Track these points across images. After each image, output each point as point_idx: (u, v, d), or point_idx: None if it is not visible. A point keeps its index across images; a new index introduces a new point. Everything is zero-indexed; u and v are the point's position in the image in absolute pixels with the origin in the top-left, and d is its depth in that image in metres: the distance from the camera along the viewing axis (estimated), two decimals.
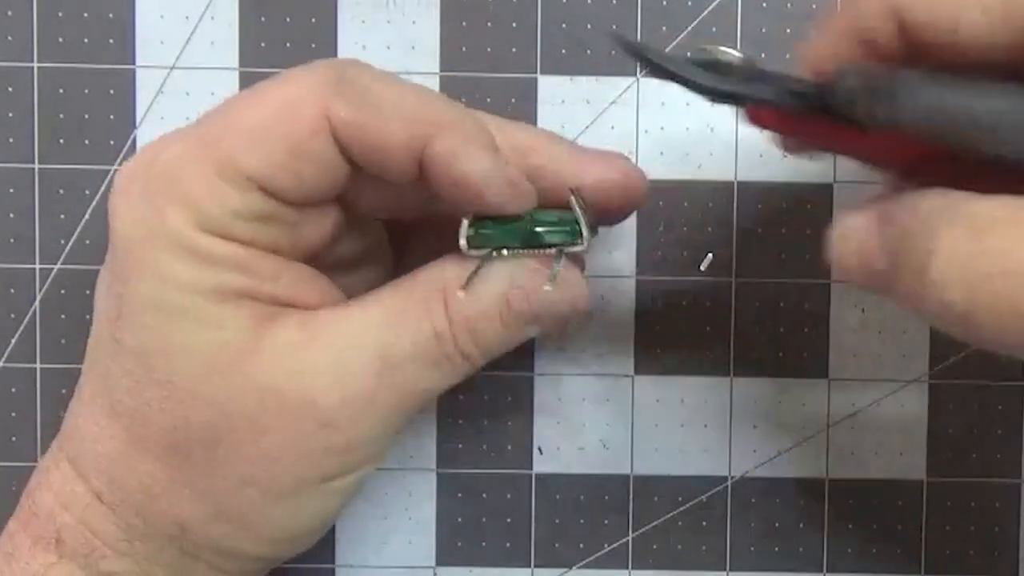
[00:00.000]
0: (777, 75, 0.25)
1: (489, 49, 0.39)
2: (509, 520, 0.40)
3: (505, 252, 0.31)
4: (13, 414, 0.40)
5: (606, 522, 0.40)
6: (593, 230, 0.32)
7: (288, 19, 0.39)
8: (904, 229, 0.25)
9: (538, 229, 0.31)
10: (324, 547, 0.40)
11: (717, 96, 0.26)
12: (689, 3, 0.39)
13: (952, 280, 0.24)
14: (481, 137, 0.30)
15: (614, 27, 0.39)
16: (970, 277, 0.23)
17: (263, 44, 0.39)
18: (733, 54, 0.25)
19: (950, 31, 0.23)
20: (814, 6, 0.39)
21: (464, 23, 0.39)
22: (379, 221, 0.34)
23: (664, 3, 0.39)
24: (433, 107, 0.30)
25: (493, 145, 0.30)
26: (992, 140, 0.23)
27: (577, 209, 0.31)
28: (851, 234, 0.26)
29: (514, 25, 0.39)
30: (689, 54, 0.26)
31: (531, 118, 0.39)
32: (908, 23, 0.23)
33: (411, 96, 0.30)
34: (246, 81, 0.39)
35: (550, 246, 0.31)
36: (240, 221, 0.29)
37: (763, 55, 0.39)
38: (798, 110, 0.24)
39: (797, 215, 0.39)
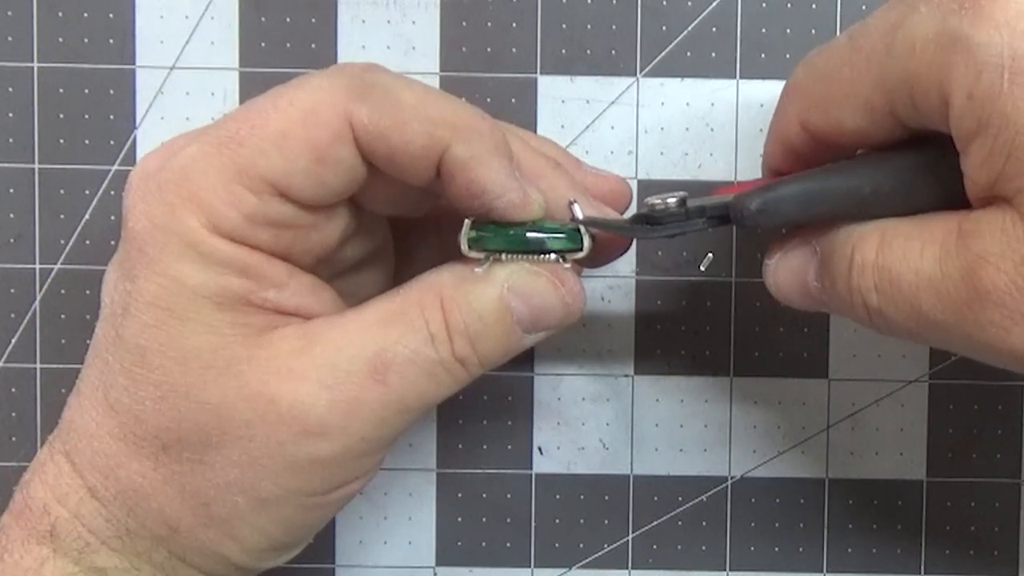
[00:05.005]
0: (699, 206, 0.31)
1: (489, 49, 0.39)
2: (509, 520, 0.40)
3: (504, 257, 0.31)
4: (13, 414, 0.40)
5: (606, 522, 0.40)
6: (592, 239, 0.32)
7: (288, 19, 0.39)
8: (830, 248, 0.30)
9: (540, 235, 0.31)
10: (324, 547, 0.40)
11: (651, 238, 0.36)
12: (689, 3, 0.39)
13: (868, 285, 0.29)
14: (498, 144, 0.30)
15: (614, 27, 0.39)
16: (881, 281, 0.29)
17: (263, 44, 0.39)
18: (668, 201, 0.31)
19: (838, 130, 0.30)
20: (814, 6, 0.39)
21: (464, 23, 0.39)
22: (385, 223, 0.34)
23: (664, 3, 0.39)
24: (453, 111, 0.30)
25: (509, 153, 0.31)
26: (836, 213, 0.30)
27: (579, 217, 0.31)
28: (784, 264, 0.32)
29: (514, 25, 0.39)
30: (634, 212, 0.33)
31: (531, 118, 0.39)
32: (812, 129, 0.31)
33: (431, 100, 0.30)
34: (246, 81, 0.39)
35: (551, 252, 0.31)
36: (255, 225, 0.29)
37: (763, 55, 0.39)
38: (710, 224, 0.31)
39: None
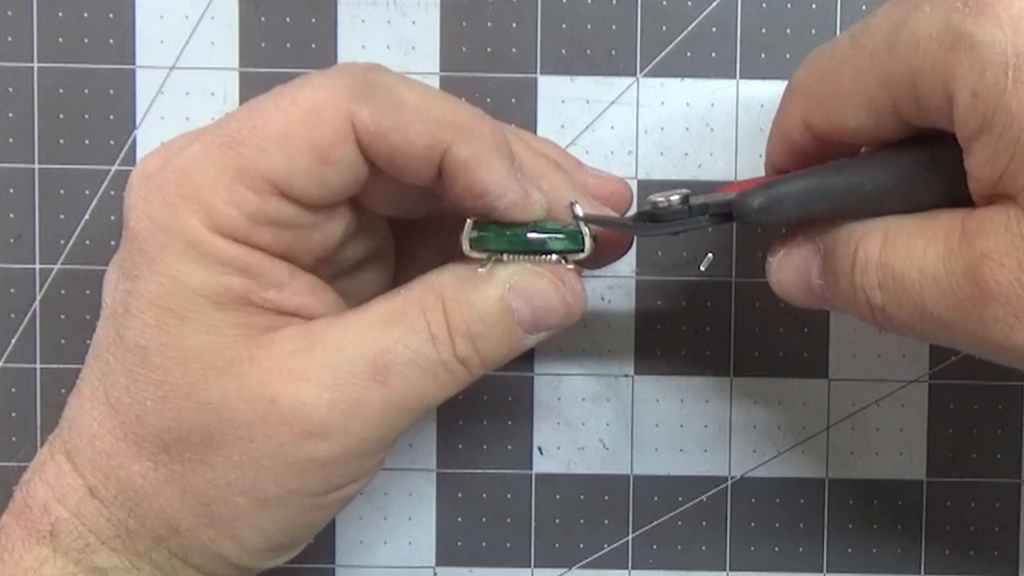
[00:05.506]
0: (702, 203, 0.31)
1: (489, 49, 0.39)
2: (509, 520, 0.40)
3: (506, 257, 0.31)
4: (13, 414, 0.40)
5: (606, 522, 0.40)
6: (593, 239, 0.32)
7: (288, 19, 0.39)
8: (833, 245, 0.31)
9: (541, 236, 0.31)
10: (324, 547, 0.40)
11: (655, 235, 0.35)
12: (689, 3, 0.39)
13: (872, 283, 0.29)
14: (499, 145, 0.30)
15: (614, 27, 0.39)
16: (884, 279, 0.29)
17: (263, 44, 0.39)
18: (671, 198, 0.31)
19: (841, 129, 0.30)
20: (814, 6, 0.39)
21: (464, 23, 0.39)
22: (385, 223, 0.34)
23: (664, 3, 0.39)
24: (455, 112, 0.30)
25: (510, 154, 0.31)
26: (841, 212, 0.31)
27: (580, 217, 0.32)
28: (788, 262, 0.32)
29: (514, 25, 0.39)
30: (635, 212, 0.33)
31: (531, 118, 0.39)
32: (815, 128, 0.31)
33: (432, 100, 0.30)
34: (246, 81, 0.39)
35: (552, 252, 0.31)
36: (256, 225, 0.29)
37: (763, 55, 0.39)
38: (712, 222, 0.31)
39: None
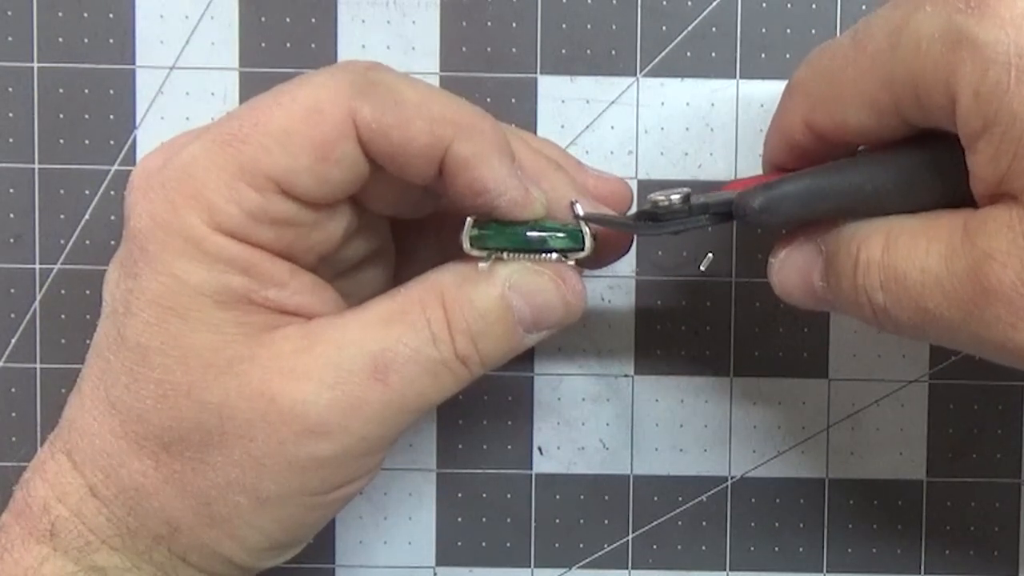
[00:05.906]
0: (702, 203, 0.31)
1: (489, 49, 0.39)
2: (509, 520, 0.40)
3: (506, 256, 0.31)
4: (13, 414, 0.40)
5: (606, 522, 0.40)
6: (594, 238, 0.32)
7: (288, 19, 0.39)
8: (835, 246, 0.31)
9: (542, 234, 0.31)
10: (324, 547, 0.40)
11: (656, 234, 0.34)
12: (689, 3, 0.39)
13: (874, 283, 0.29)
14: (499, 143, 0.30)
15: (614, 27, 0.39)
16: (887, 280, 0.29)
17: (263, 44, 0.39)
18: (671, 197, 0.31)
19: (842, 128, 0.30)
20: (814, 6, 0.39)
21: (464, 23, 0.39)
22: (386, 222, 0.34)
23: (664, 3, 0.39)
24: (455, 109, 0.30)
25: (510, 152, 0.31)
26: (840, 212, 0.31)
27: (581, 216, 0.32)
28: (789, 263, 0.32)
29: (514, 25, 0.39)
30: (636, 209, 0.34)
31: (531, 118, 0.39)
32: (816, 127, 0.31)
33: (433, 98, 0.30)
34: (246, 81, 0.39)
35: (552, 251, 0.31)
36: (257, 223, 0.29)
37: (763, 55, 0.39)
38: (713, 221, 0.31)
39: None
